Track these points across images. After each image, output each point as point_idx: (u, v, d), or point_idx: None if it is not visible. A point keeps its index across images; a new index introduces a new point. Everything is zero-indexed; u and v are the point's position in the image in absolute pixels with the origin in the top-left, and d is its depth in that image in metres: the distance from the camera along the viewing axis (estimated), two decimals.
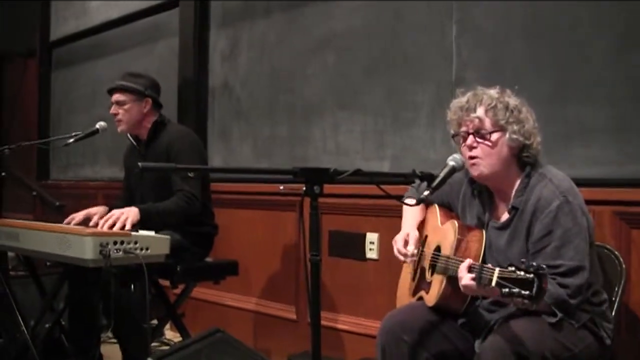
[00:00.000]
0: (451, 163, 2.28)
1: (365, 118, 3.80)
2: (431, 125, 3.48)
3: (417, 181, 2.68)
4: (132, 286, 3.11)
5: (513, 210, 2.28)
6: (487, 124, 2.27)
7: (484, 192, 2.41)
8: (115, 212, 3.18)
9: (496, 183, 2.33)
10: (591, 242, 2.23)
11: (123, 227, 3.07)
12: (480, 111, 2.28)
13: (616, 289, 2.41)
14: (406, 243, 2.52)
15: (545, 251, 2.16)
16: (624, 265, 2.46)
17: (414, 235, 2.53)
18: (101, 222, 3.13)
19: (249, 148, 4.50)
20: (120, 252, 2.84)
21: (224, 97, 4.70)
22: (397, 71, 3.66)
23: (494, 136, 2.26)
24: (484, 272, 1.96)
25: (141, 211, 3.23)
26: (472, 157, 2.29)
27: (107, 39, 5.77)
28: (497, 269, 1.88)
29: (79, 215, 3.40)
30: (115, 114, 3.58)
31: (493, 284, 1.88)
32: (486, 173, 2.28)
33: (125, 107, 3.56)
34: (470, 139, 2.29)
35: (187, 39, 4.83)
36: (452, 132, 2.39)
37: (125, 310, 3.08)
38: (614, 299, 2.40)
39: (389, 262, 3.36)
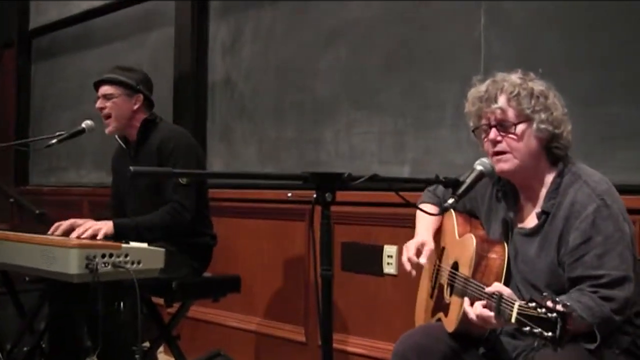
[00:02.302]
0: (479, 167, 2.27)
1: (383, 118, 3.81)
2: (456, 125, 3.48)
3: (435, 185, 2.67)
4: (122, 304, 3.11)
5: (543, 215, 2.25)
6: (511, 114, 2.25)
7: (509, 193, 2.40)
8: (90, 224, 3.21)
9: (524, 180, 2.31)
10: (634, 255, 2.19)
11: (95, 237, 3.10)
12: (501, 101, 2.25)
13: None
14: (419, 253, 2.50)
15: (584, 260, 2.13)
16: None
17: (429, 246, 2.51)
18: (73, 234, 3.16)
19: (253, 151, 4.51)
20: (109, 266, 2.84)
21: (226, 94, 4.71)
22: (419, 66, 3.66)
23: (520, 128, 2.24)
24: (504, 304, 1.94)
25: (116, 226, 3.24)
26: (497, 153, 2.28)
27: (94, 28, 5.80)
28: (517, 304, 1.86)
29: (64, 224, 3.43)
30: (102, 109, 3.58)
31: (513, 321, 1.86)
32: (513, 169, 2.26)
33: (114, 101, 3.57)
34: (493, 132, 2.26)
35: (184, 28, 4.85)
36: (471, 125, 2.37)
37: (114, 331, 3.07)
38: None
39: (410, 278, 3.35)
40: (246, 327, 4.36)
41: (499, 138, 2.26)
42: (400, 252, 3.58)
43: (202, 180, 3.62)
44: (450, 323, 2.40)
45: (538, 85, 2.27)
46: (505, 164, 2.26)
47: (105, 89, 3.59)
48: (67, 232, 3.28)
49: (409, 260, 2.50)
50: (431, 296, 2.62)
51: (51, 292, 3.32)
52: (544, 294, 1.86)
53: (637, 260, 2.25)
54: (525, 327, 1.80)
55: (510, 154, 2.25)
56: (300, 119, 4.24)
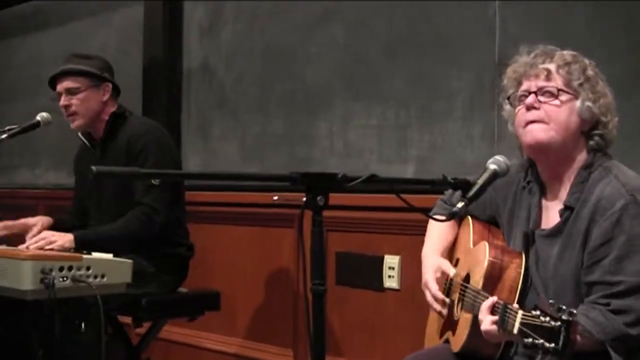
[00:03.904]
0: (492, 166, 2.25)
1: (384, 110, 3.80)
2: (468, 118, 3.48)
3: (450, 190, 2.67)
4: (83, 325, 3.11)
5: (566, 211, 2.26)
6: (558, 81, 2.26)
7: (536, 190, 2.40)
8: (46, 234, 3.20)
9: (554, 161, 2.30)
10: None
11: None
12: (551, 66, 2.28)
13: None
14: (440, 280, 2.50)
15: (602, 264, 2.13)
16: None
17: (446, 266, 2.52)
18: (27, 242, 3.15)
19: (235, 148, 4.50)
20: (68, 281, 2.83)
21: (203, 82, 4.71)
22: (426, 50, 3.66)
23: (564, 97, 2.25)
24: (508, 314, 1.95)
25: (77, 239, 3.23)
26: (530, 122, 2.27)
27: (49, 5, 5.77)
28: (520, 313, 1.88)
29: (14, 226, 3.42)
30: (67, 107, 3.56)
31: (515, 331, 1.88)
32: (547, 141, 2.25)
33: (80, 96, 3.55)
34: (532, 97, 2.26)
35: (154, 7, 4.83)
36: (509, 93, 2.36)
37: (74, 356, 3.08)
38: None
39: (413, 292, 3.35)
40: (226, 350, 4.36)
41: (537, 104, 2.26)
42: (403, 264, 3.59)
43: (178, 182, 3.61)
44: (456, 342, 2.41)
45: (591, 68, 2.31)
46: (540, 133, 2.25)
47: (67, 84, 3.57)
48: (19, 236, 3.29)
49: (435, 298, 2.50)
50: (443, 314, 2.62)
51: (0, 311, 3.31)
52: (550, 301, 1.86)
53: None
54: (528, 338, 1.81)
55: (547, 124, 2.25)
56: (289, 111, 4.23)
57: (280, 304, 4.11)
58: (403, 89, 3.73)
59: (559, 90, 2.25)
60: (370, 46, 3.87)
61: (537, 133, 2.26)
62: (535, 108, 2.26)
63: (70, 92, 3.57)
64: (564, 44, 3.07)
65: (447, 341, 2.52)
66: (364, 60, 3.90)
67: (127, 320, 3.50)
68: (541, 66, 2.27)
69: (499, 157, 2.29)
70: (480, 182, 2.23)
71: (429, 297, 2.53)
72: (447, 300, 2.50)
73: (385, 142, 3.80)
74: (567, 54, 2.31)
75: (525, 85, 2.31)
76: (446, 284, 2.58)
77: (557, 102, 2.25)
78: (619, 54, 3.02)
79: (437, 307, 2.50)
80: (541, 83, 2.27)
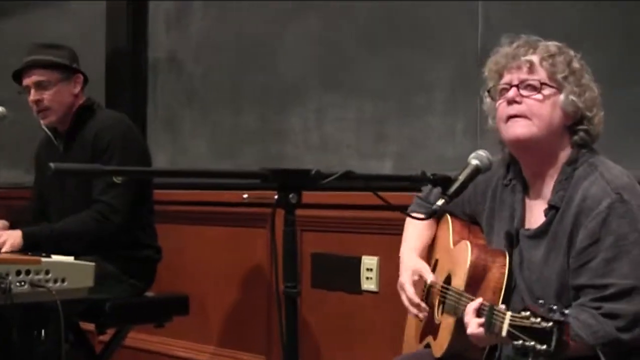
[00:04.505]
0: (474, 162, 2.26)
1: (361, 103, 3.80)
2: (450, 111, 3.48)
3: (427, 187, 2.67)
4: (43, 332, 3.09)
5: (551, 210, 2.26)
6: (541, 73, 2.26)
7: (518, 188, 2.40)
8: None
9: (537, 158, 2.31)
10: None
11: None
12: (534, 57, 2.27)
13: None
14: (417, 283, 2.51)
15: (589, 266, 2.14)
16: None
17: (424, 268, 2.52)
18: None
19: (204, 144, 4.49)
20: (26, 286, 2.81)
21: (171, 74, 4.70)
22: (405, 40, 3.66)
23: (547, 91, 2.25)
24: (495, 316, 1.95)
25: (25, 235, 3.21)
26: (511, 117, 2.27)
27: None
28: (509, 314, 1.88)
29: None
30: (38, 102, 3.54)
31: (503, 333, 1.88)
32: (529, 137, 2.25)
33: (52, 90, 3.53)
34: (514, 91, 2.26)
35: None
36: (489, 85, 2.36)
37: None
38: None
39: (392, 294, 3.34)
40: (196, 357, 4.35)
41: (519, 98, 2.26)
42: (381, 265, 3.59)
43: (145, 180, 3.59)
44: (439, 347, 2.41)
45: (576, 60, 2.30)
46: (522, 130, 2.25)
47: (36, 77, 3.54)
48: None
49: (411, 302, 2.51)
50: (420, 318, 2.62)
51: None
52: (540, 301, 1.87)
53: None
54: (518, 340, 1.81)
55: (529, 119, 2.25)
56: (262, 105, 4.23)
57: (253, 308, 4.11)
58: (381, 81, 3.73)
59: (542, 83, 2.25)
60: (346, 36, 3.87)
61: (518, 129, 2.26)
62: (516, 102, 2.26)
63: (40, 85, 3.53)
64: (550, 34, 3.07)
65: (427, 346, 2.52)
66: (340, 51, 3.90)
67: (90, 327, 3.49)
68: (524, 58, 2.27)
69: (481, 152, 2.29)
70: (461, 178, 2.23)
71: (404, 300, 2.54)
72: (423, 304, 2.51)
73: (362, 136, 3.80)
74: (552, 44, 2.31)
75: (506, 78, 2.30)
76: (425, 287, 2.58)
77: (539, 96, 2.25)
78: (607, 41, 3.03)
79: (414, 310, 2.51)
80: (523, 76, 2.27)
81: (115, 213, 3.39)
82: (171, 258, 4.04)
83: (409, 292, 2.52)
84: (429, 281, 2.50)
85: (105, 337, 3.69)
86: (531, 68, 2.26)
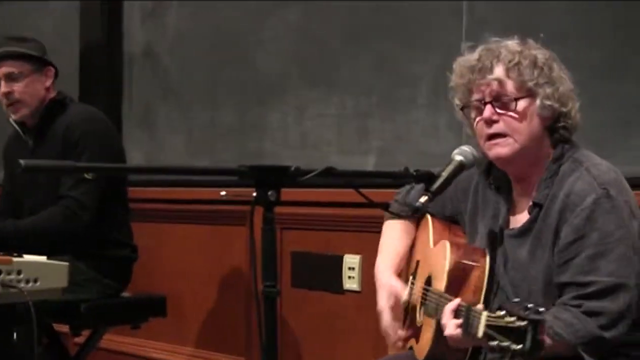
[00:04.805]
0: (458, 158, 2.26)
1: (343, 97, 3.80)
2: (433, 106, 3.49)
3: (405, 189, 2.67)
4: (15, 334, 3.07)
5: (535, 208, 2.26)
6: (511, 87, 2.25)
7: (502, 187, 2.41)
8: None
9: (522, 168, 2.31)
10: None
11: None
12: (499, 71, 2.25)
13: None
14: (397, 311, 2.51)
15: (574, 263, 2.14)
16: None
17: (398, 288, 2.52)
18: None
19: (181, 140, 4.49)
20: None
21: (146, 69, 4.69)
22: (387, 33, 3.66)
23: (521, 104, 2.24)
24: (472, 316, 1.95)
25: None
26: (493, 136, 2.27)
27: None
28: (485, 314, 1.87)
29: None
30: (9, 94, 3.52)
31: (480, 334, 1.87)
32: (512, 155, 2.26)
33: (23, 82, 3.53)
34: (489, 109, 2.25)
35: None
36: (457, 102, 2.37)
37: None
38: None
39: (375, 294, 3.35)
40: None
41: (496, 117, 2.25)
42: (364, 264, 3.59)
43: (120, 176, 3.58)
44: (421, 349, 2.41)
45: (541, 54, 2.28)
46: (504, 149, 2.26)
47: (7, 69, 3.53)
48: None
49: (390, 329, 2.52)
50: (404, 320, 2.63)
51: None
52: (515, 300, 1.87)
53: None
54: (494, 340, 1.82)
55: (509, 137, 2.26)
56: (240, 101, 4.22)
57: (232, 308, 4.11)
58: (363, 75, 3.74)
59: (514, 99, 2.25)
60: (327, 29, 3.87)
61: (499, 150, 2.27)
62: (494, 121, 2.26)
63: (11, 77, 3.53)
64: (536, 28, 3.08)
65: (411, 348, 2.53)
66: (321, 44, 3.90)
67: (64, 328, 3.47)
68: (490, 77, 2.25)
69: (465, 148, 2.30)
70: (445, 174, 2.23)
71: (382, 327, 2.54)
72: (402, 333, 2.51)
73: (344, 132, 3.81)
74: (513, 47, 2.28)
75: (477, 95, 2.30)
76: (408, 288, 2.58)
77: (515, 113, 2.25)
78: (597, 35, 3.04)
79: (392, 339, 2.53)
80: (495, 90, 2.26)
81: (84, 209, 3.38)
82: (147, 257, 4.03)
83: (385, 320, 2.52)
84: (403, 298, 2.51)
85: (80, 339, 3.68)
86: (500, 85, 2.25)
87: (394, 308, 2.53)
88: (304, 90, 3.96)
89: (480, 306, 2.01)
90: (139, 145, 4.70)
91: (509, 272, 2.32)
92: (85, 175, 3.32)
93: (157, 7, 4.63)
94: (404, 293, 2.53)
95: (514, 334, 1.79)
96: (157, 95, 4.63)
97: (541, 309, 1.80)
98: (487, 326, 1.85)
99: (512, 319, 1.80)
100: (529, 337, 1.77)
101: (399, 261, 2.64)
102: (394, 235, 2.66)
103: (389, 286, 2.55)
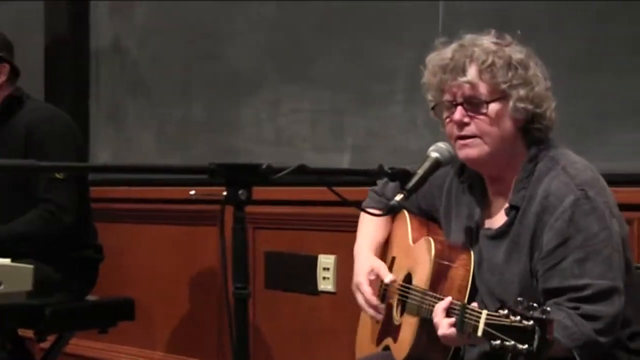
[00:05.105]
0: (434, 155, 2.26)
1: (318, 93, 3.80)
2: (410, 101, 3.48)
3: (383, 180, 2.67)
4: None
5: (512, 210, 2.26)
6: (483, 90, 2.24)
7: (476, 185, 2.41)
8: None
9: (495, 169, 2.32)
10: (627, 260, 2.23)
11: None
12: (471, 72, 2.25)
13: None
14: (374, 282, 2.49)
15: (561, 267, 2.14)
16: None
17: (380, 267, 2.52)
18: None
19: (150, 137, 4.47)
20: None
21: (114, 63, 4.67)
22: (363, 26, 3.66)
23: (493, 107, 2.24)
24: (468, 315, 1.95)
25: None
26: (463, 137, 2.27)
27: None
28: (485, 313, 1.87)
29: None
30: None
31: (479, 333, 1.87)
32: (482, 157, 2.26)
33: None
34: (460, 112, 2.26)
35: None
36: (430, 99, 2.37)
37: None
38: None
39: (351, 295, 3.34)
40: None
41: (467, 119, 2.25)
42: (339, 265, 3.59)
43: (82, 175, 3.56)
44: (400, 349, 2.41)
45: (517, 53, 2.27)
46: (473, 151, 2.26)
47: None
48: None
49: (368, 303, 2.50)
50: (377, 320, 2.62)
51: None
52: (519, 299, 1.86)
53: (632, 268, 2.28)
54: (496, 340, 1.81)
55: (479, 138, 2.26)
56: (213, 96, 4.22)
57: (203, 311, 4.10)
58: (338, 69, 3.74)
59: (486, 102, 2.24)
60: (302, 22, 3.87)
61: (468, 151, 2.27)
62: (465, 124, 2.26)
63: None
64: (512, 21, 3.10)
65: (386, 348, 2.52)
66: (296, 38, 3.89)
67: (29, 333, 3.44)
68: (461, 79, 2.25)
69: (441, 144, 2.30)
70: (420, 172, 2.24)
71: (361, 301, 2.52)
72: (382, 305, 2.50)
73: (319, 129, 3.81)
74: (487, 46, 2.27)
75: (448, 96, 2.29)
76: (381, 287, 2.58)
77: (486, 117, 2.24)
78: (574, 27, 3.05)
79: (370, 312, 2.50)
80: (467, 92, 2.25)
81: (65, 212, 3.38)
82: (115, 259, 4.02)
83: (366, 292, 2.50)
84: (386, 280, 2.50)
85: (45, 345, 3.65)
86: (472, 87, 2.25)
87: (373, 283, 2.52)
88: (278, 85, 3.96)
89: (475, 304, 2.01)
90: (108, 143, 4.68)
91: (484, 273, 2.32)
92: (57, 176, 3.32)
93: None
94: (386, 273, 2.51)
95: (519, 333, 1.79)
96: (126, 91, 4.61)
97: (548, 309, 1.80)
98: (488, 325, 1.85)
99: (517, 318, 1.80)
100: (536, 337, 1.77)
101: (378, 246, 2.64)
102: (372, 223, 2.65)
103: (370, 264, 2.55)
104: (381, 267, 2.54)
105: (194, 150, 4.27)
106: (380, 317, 2.52)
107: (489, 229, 2.35)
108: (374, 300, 2.50)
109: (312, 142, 3.83)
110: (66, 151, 3.45)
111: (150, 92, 4.51)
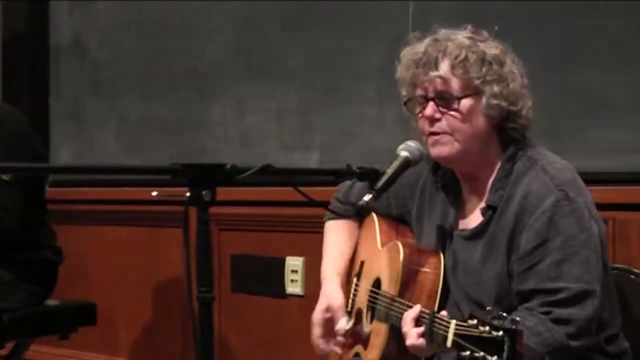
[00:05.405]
0: (403, 154, 2.25)
1: (285, 91, 3.81)
2: (380, 99, 3.49)
3: (346, 185, 2.66)
4: None
5: (489, 210, 2.26)
6: (455, 85, 2.24)
7: (450, 184, 2.42)
8: None
9: (468, 168, 2.32)
10: (604, 262, 2.23)
11: None
12: (444, 67, 2.24)
13: None
14: (329, 327, 2.49)
15: (538, 269, 2.13)
16: None
17: (337, 308, 2.50)
18: None
19: (112, 136, 4.45)
20: None
21: (75, 60, 4.64)
22: (331, 21, 3.66)
23: (465, 103, 2.24)
24: (437, 325, 1.94)
25: None
26: (434, 133, 2.27)
27: None
28: (454, 323, 1.86)
29: None
30: None
31: (448, 344, 1.87)
32: (454, 154, 2.26)
33: None
34: (431, 107, 2.25)
35: None
36: (403, 94, 2.36)
37: None
38: None
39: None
40: None
41: (438, 115, 2.25)
42: (307, 267, 3.60)
43: (37, 176, 3.53)
44: (370, 357, 2.40)
45: (492, 49, 2.27)
46: (444, 148, 2.26)
47: None
48: None
49: (315, 344, 2.53)
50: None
51: None
52: (488, 308, 1.86)
53: (608, 270, 2.29)
54: (465, 351, 1.81)
55: (450, 135, 2.25)
56: (177, 94, 4.20)
57: (168, 316, 4.09)
58: (306, 66, 3.74)
59: (458, 98, 2.24)
60: (269, 18, 3.87)
61: (440, 149, 2.26)
62: (436, 119, 2.26)
63: None
64: (483, 16, 3.11)
65: (357, 355, 2.52)
66: (263, 34, 3.89)
67: None
68: (433, 74, 2.25)
69: (410, 143, 2.30)
70: (389, 171, 2.23)
71: (314, 340, 2.55)
72: (334, 348, 2.50)
73: (286, 127, 3.80)
74: (461, 41, 2.27)
75: (420, 90, 2.29)
76: (351, 292, 2.57)
77: (458, 113, 2.24)
78: (548, 22, 3.06)
79: (324, 348, 2.52)
80: (438, 87, 2.25)
81: (7, 214, 3.34)
82: (75, 262, 4.00)
83: (314, 335, 2.53)
84: (337, 327, 2.48)
85: (3, 352, 3.62)
86: (444, 82, 2.24)
87: (326, 323, 2.52)
88: (244, 83, 3.96)
89: (444, 313, 2.00)
90: (68, 142, 4.66)
91: (459, 276, 2.32)
92: (4, 177, 3.29)
93: None
94: (339, 317, 2.50)
95: (489, 344, 1.78)
96: (87, 89, 4.59)
97: (518, 319, 1.79)
98: (457, 335, 1.84)
99: (486, 328, 1.80)
100: (506, 347, 1.77)
101: (346, 265, 2.62)
102: (338, 237, 2.65)
103: (328, 300, 2.53)
104: (338, 308, 2.51)
105: (157, 150, 4.25)
106: (338, 350, 2.52)
107: (463, 229, 2.34)
108: (320, 343, 2.52)
109: (279, 141, 3.82)
110: (18, 152, 3.42)
111: (112, 90, 4.48)
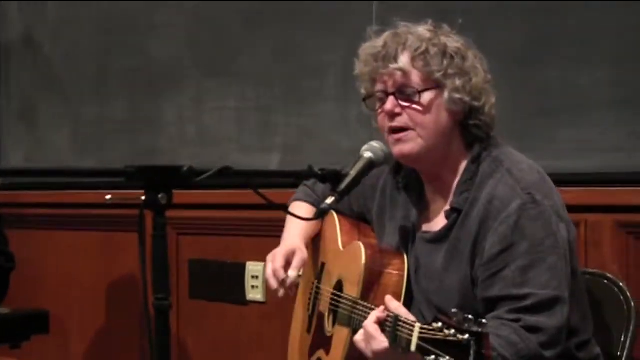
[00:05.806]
0: (367, 155, 2.26)
1: (243, 88, 3.80)
2: (342, 98, 3.49)
3: (312, 180, 2.66)
4: None
5: (453, 213, 2.26)
6: (415, 78, 2.24)
7: (412, 185, 2.42)
8: None
9: (432, 167, 2.32)
10: (574, 266, 2.23)
11: None
12: (403, 60, 2.24)
13: (622, 338, 2.41)
14: (288, 264, 2.47)
15: (503, 275, 2.13)
16: (632, 303, 2.44)
17: (302, 255, 2.49)
18: None
19: (65, 136, 4.43)
20: None
21: (26, 58, 4.62)
22: (292, 18, 3.66)
23: (426, 96, 2.24)
24: (401, 328, 1.93)
25: None
26: (395, 130, 2.27)
27: None
28: (418, 326, 1.85)
29: None
30: None
31: (413, 348, 1.86)
32: (417, 151, 2.25)
33: None
34: (391, 102, 2.25)
35: None
36: (362, 91, 2.36)
37: None
38: (618, 353, 2.39)
39: (282, 305, 3.35)
40: None
41: (398, 109, 2.25)
42: None
43: None
44: None
45: (453, 42, 2.28)
46: (406, 146, 2.25)
47: None
48: None
49: (275, 273, 2.46)
50: (308, 330, 2.62)
51: None
52: (453, 310, 1.86)
53: (578, 273, 2.30)
54: (430, 355, 1.81)
55: (413, 131, 2.25)
56: (131, 93, 4.19)
57: (124, 324, 4.07)
58: (265, 63, 3.73)
59: (418, 91, 2.24)
60: (225, 14, 3.86)
61: (402, 146, 2.26)
62: (397, 114, 2.26)
63: None
64: (450, 10, 3.12)
65: None
66: (219, 30, 3.88)
67: None
68: (392, 66, 2.25)
69: (374, 144, 2.30)
70: (353, 173, 2.23)
71: (268, 272, 2.48)
72: (289, 275, 2.45)
73: (245, 127, 3.79)
74: (422, 34, 2.27)
75: (380, 85, 2.29)
76: (312, 292, 2.57)
77: (419, 106, 2.24)
78: (518, 17, 3.07)
79: (274, 284, 2.46)
80: (398, 81, 2.25)
81: None
82: (28, 268, 3.98)
83: (277, 263, 2.47)
84: (290, 274, 2.45)
85: None
86: (404, 75, 2.25)
87: (287, 254, 2.49)
88: (201, 81, 3.95)
89: (409, 317, 1.99)
90: (19, 144, 4.63)
91: (421, 280, 2.32)
92: None
93: None
94: (295, 266, 2.47)
95: (454, 348, 1.77)
96: (39, 88, 4.57)
97: (484, 321, 1.78)
98: (421, 339, 1.83)
99: (451, 331, 1.79)
100: (472, 352, 1.77)
101: (308, 238, 2.61)
102: (300, 221, 2.56)
103: (290, 244, 2.52)
104: (300, 255, 2.49)
105: (112, 151, 4.23)
106: (282, 292, 2.48)
107: (426, 232, 2.34)
108: (281, 273, 2.46)
109: (238, 141, 3.81)
110: None
111: (64, 89, 4.46)
